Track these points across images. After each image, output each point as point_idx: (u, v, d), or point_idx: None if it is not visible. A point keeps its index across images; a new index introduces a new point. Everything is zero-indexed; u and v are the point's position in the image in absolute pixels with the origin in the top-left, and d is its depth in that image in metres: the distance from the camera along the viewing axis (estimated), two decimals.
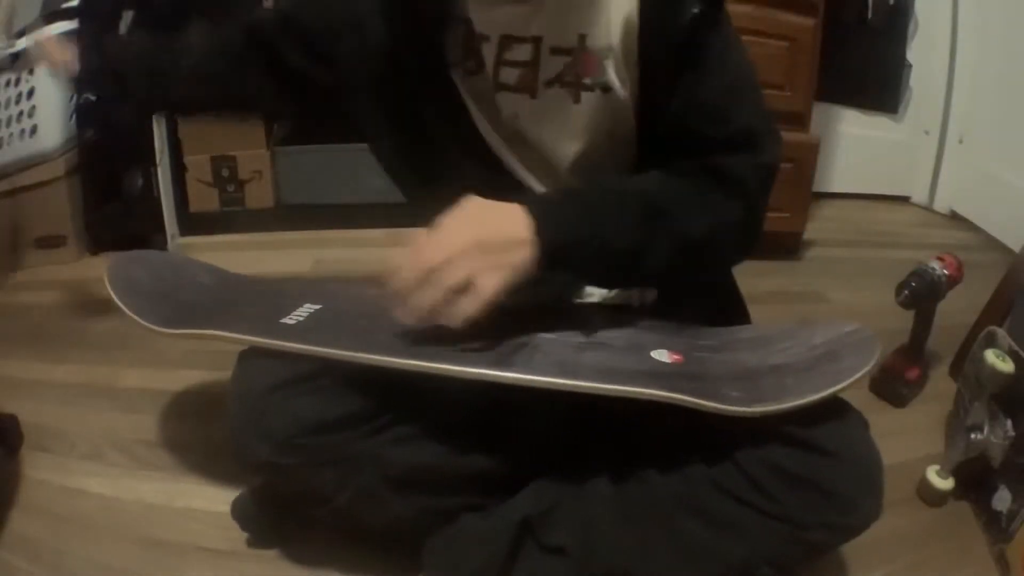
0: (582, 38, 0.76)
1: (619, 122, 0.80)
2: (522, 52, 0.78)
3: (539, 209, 0.69)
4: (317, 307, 0.84)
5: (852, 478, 0.70)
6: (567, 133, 0.81)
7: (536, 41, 0.78)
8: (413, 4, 0.78)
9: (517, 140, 0.83)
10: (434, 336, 0.72)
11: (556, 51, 0.78)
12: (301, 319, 0.81)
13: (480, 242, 0.66)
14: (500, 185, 0.79)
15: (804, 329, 0.83)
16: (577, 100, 0.79)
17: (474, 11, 0.78)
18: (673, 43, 0.72)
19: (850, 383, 0.69)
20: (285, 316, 0.81)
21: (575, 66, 0.78)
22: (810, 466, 0.69)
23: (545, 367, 0.70)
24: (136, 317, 0.85)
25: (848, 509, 0.71)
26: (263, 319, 0.82)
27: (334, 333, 0.77)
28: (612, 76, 0.77)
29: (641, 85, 0.77)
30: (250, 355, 0.82)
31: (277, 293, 0.94)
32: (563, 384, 0.68)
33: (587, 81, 0.78)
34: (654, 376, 0.71)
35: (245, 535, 0.96)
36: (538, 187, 0.84)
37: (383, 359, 0.69)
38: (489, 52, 0.79)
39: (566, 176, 0.83)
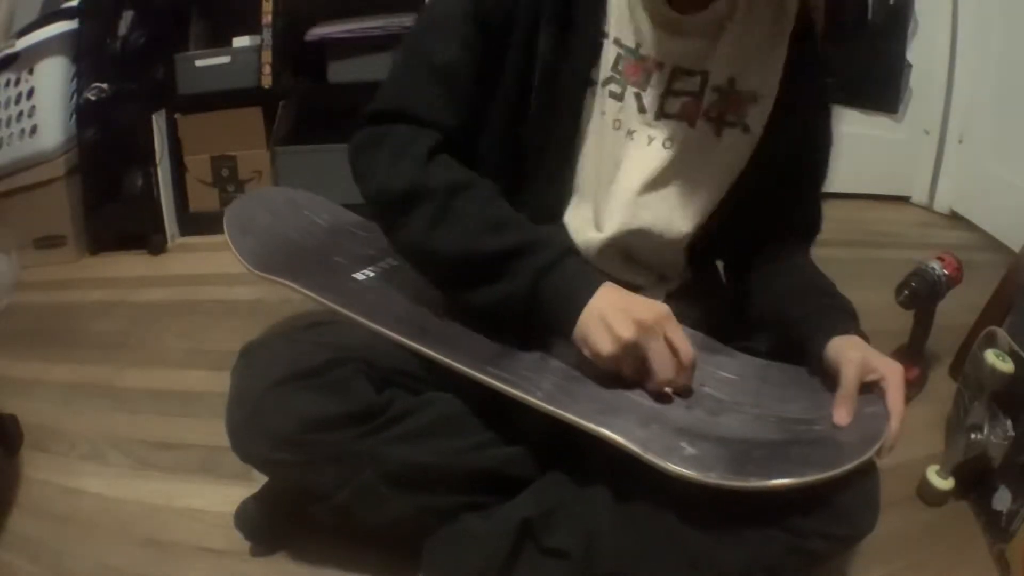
0: (732, 80, 0.81)
1: (740, 164, 0.85)
2: (691, 84, 0.82)
3: None
4: (393, 264, 0.94)
5: (850, 490, 0.70)
6: (713, 167, 0.85)
7: (704, 75, 0.81)
8: (572, 21, 0.78)
9: (611, 164, 0.84)
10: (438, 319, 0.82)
11: (715, 88, 0.81)
12: (369, 276, 0.91)
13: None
14: (542, 196, 0.85)
15: (823, 392, 0.78)
16: (719, 134, 0.83)
17: (648, 38, 0.79)
18: (811, 103, 0.80)
19: (795, 484, 0.65)
20: (361, 269, 0.92)
21: (724, 103, 0.82)
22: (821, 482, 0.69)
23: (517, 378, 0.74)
24: (238, 256, 0.93)
25: (846, 520, 0.72)
26: (338, 272, 0.91)
27: (381, 304, 0.85)
28: (754, 117, 0.82)
29: (767, 130, 0.83)
30: (252, 351, 0.82)
31: (374, 239, 1.01)
32: (515, 393, 0.72)
33: (730, 118, 0.83)
34: (620, 408, 0.72)
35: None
36: (582, 211, 0.87)
37: (412, 344, 0.78)
38: (660, 80, 0.81)
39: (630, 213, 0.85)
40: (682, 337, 0.73)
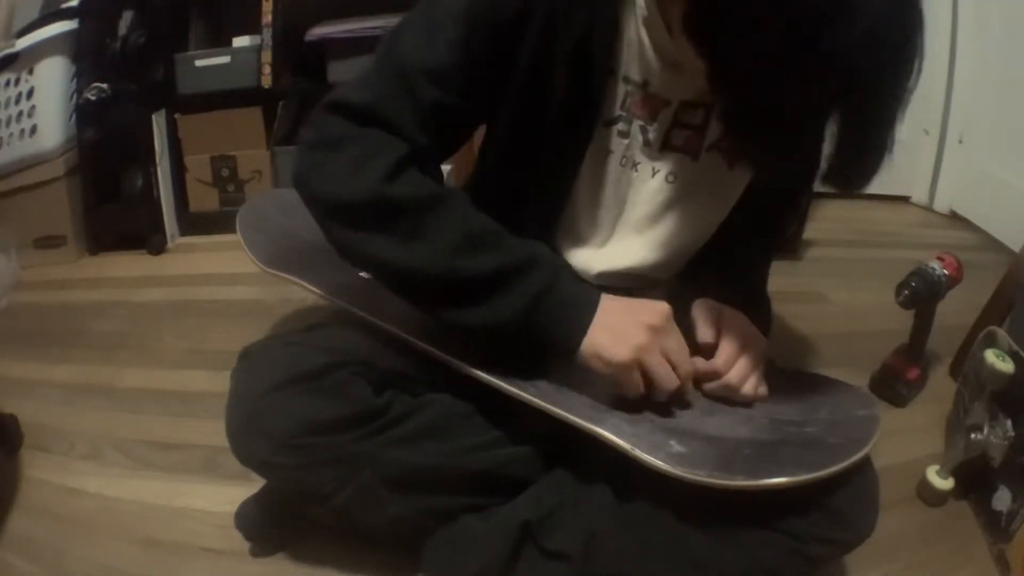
0: None
1: (741, 189, 0.84)
2: (696, 116, 0.80)
3: None
4: None
5: (850, 495, 0.70)
6: (720, 196, 0.84)
7: (708, 108, 0.79)
8: (589, 58, 0.75)
9: (616, 201, 0.84)
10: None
11: None
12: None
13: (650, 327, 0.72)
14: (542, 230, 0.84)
15: (817, 394, 0.79)
16: (732, 167, 0.82)
17: (657, 77, 0.78)
18: None
19: (783, 484, 0.65)
20: None
21: None
22: (809, 482, 0.69)
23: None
24: (248, 252, 0.94)
25: (845, 525, 0.72)
26: (345, 270, 0.86)
27: (385, 301, 0.80)
28: None
29: None
30: (250, 354, 0.82)
31: None
32: (509, 389, 0.73)
33: None
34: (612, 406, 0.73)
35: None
36: (585, 247, 0.87)
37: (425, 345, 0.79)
38: (667, 115, 0.80)
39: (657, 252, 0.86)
40: (681, 340, 0.74)
